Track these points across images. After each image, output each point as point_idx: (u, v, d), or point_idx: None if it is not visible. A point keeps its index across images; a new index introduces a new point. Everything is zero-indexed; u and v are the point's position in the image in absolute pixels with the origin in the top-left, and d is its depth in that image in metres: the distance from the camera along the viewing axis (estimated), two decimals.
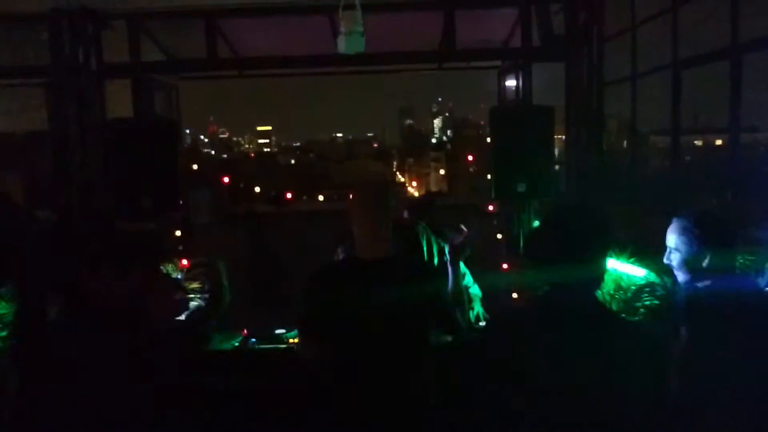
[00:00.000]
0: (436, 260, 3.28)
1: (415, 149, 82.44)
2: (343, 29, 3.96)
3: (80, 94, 5.27)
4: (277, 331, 3.67)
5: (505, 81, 6.26)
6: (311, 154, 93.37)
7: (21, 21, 5.43)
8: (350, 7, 3.93)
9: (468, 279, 3.94)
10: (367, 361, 2.32)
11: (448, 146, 76.47)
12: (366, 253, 2.37)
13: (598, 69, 5.08)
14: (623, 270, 4.01)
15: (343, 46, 4.00)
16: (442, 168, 66.45)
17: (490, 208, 5.57)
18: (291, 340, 3.55)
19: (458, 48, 5.43)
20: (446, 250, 3.44)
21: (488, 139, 5.00)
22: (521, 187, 4.66)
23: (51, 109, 5.42)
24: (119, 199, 4.69)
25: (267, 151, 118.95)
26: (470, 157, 50.91)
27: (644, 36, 4.74)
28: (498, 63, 6.38)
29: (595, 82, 5.11)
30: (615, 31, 4.98)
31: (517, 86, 5.85)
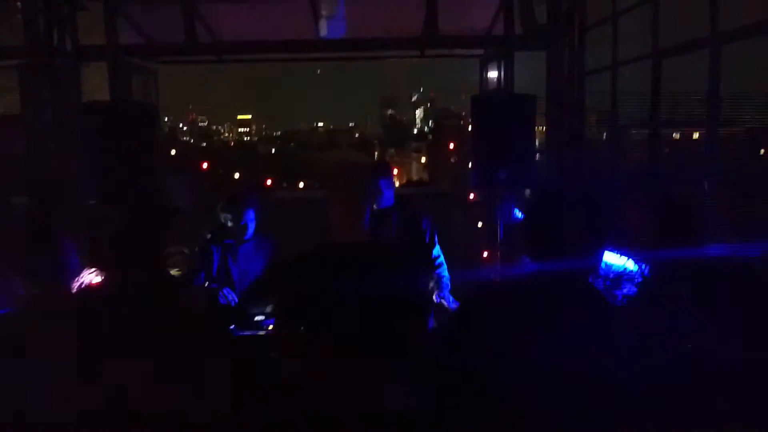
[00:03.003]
0: None
1: (396, 139, 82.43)
2: (324, 13, 3.91)
3: (55, 77, 5.16)
4: (257, 318, 3.66)
5: (486, 70, 6.26)
6: (292, 144, 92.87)
7: None
8: None
9: (443, 267, 3.95)
10: (343, 349, 2.30)
11: (429, 137, 76.64)
12: (342, 237, 2.36)
13: (580, 58, 5.10)
14: (603, 258, 4.07)
15: (324, 29, 3.96)
16: (423, 157, 66.57)
17: (471, 196, 5.59)
18: (270, 327, 3.54)
19: (440, 35, 5.41)
20: None
21: (470, 128, 5.00)
22: (502, 175, 4.67)
23: (24, 92, 5.29)
24: (96, 184, 4.62)
25: (247, 140, 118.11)
26: (451, 145, 50.93)
27: (626, 26, 4.76)
28: (480, 52, 6.37)
29: (576, 71, 5.13)
30: (597, 20, 4.99)
31: (499, 75, 5.85)
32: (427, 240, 3.83)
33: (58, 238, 2.23)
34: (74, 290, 2.26)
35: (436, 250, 3.92)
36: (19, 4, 5.12)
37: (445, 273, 3.94)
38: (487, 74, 6.40)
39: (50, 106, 5.18)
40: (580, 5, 5.04)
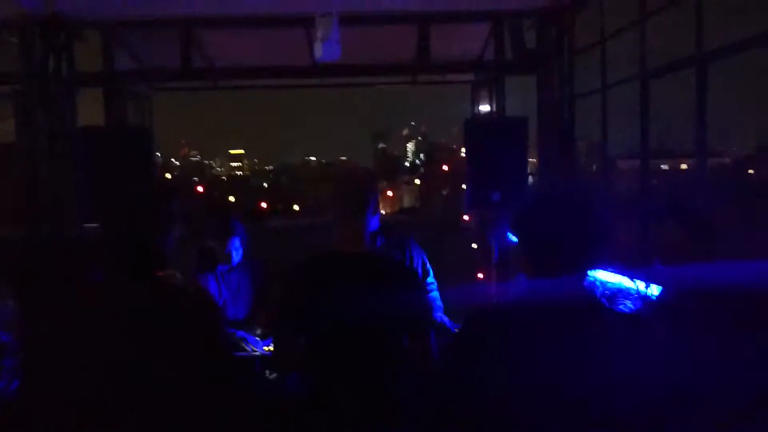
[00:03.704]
0: None
1: (388, 173, 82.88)
2: (319, 35, 3.98)
3: (50, 103, 5.18)
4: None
5: (478, 95, 6.36)
6: (283, 177, 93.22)
7: None
8: (327, 14, 3.97)
9: (434, 290, 3.94)
10: (344, 358, 2.28)
11: (421, 170, 77.24)
12: (342, 247, 2.35)
13: (569, 81, 5.19)
14: (598, 276, 4.08)
15: (319, 52, 4.02)
16: (417, 179, 66.94)
17: (466, 218, 5.63)
18: (266, 348, 3.51)
19: (432, 61, 5.52)
20: None
21: (463, 152, 5.07)
22: (495, 197, 4.72)
23: (19, 118, 5.30)
24: (90, 209, 4.61)
25: (239, 174, 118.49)
26: (445, 167, 51.10)
27: (615, 51, 4.87)
28: (471, 77, 6.48)
29: (566, 94, 5.21)
30: (586, 44, 5.10)
31: (491, 99, 5.95)
32: (420, 271, 3.84)
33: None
34: None
35: (430, 278, 3.93)
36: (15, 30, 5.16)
37: (437, 295, 3.95)
38: (479, 99, 6.51)
39: (44, 132, 5.18)
40: (569, 30, 5.15)
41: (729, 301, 2.03)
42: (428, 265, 3.89)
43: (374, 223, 3.79)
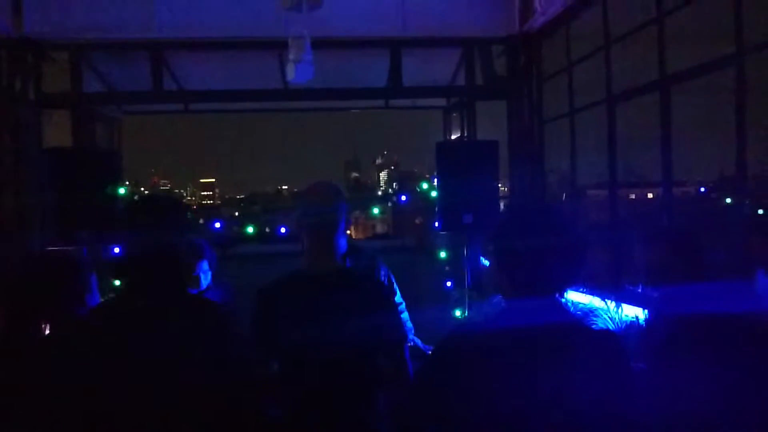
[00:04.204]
0: None
1: (361, 201, 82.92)
2: (292, 57, 3.98)
3: (16, 124, 5.08)
4: None
5: (450, 119, 6.45)
6: (255, 206, 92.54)
7: None
8: (300, 36, 3.98)
9: (405, 313, 3.91)
10: (318, 375, 2.23)
11: (394, 198, 77.62)
12: (312, 266, 2.30)
13: (538, 107, 5.30)
14: (569, 297, 4.12)
15: (292, 73, 4.02)
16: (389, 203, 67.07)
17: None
18: None
19: (405, 86, 5.58)
20: None
21: (435, 174, 5.10)
22: (467, 219, 4.73)
23: None
24: (57, 231, 4.49)
25: (210, 203, 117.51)
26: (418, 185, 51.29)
27: (584, 79, 4.99)
28: (443, 103, 6.57)
29: (535, 119, 5.31)
30: (554, 70, 5.22)
31: (462, 123, 6.03)
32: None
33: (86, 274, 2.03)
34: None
35: (398, 297, 3.90)
36: None
37: (407, 316, 3.92)
38: (450, 126, 6.59)
39: (11, 153, 5.07)
40: (537, 57, 5.27)
41: (707, 322, 2.06)
42: (395, 286, 3.86)
43: (342, 245, 3.76)
